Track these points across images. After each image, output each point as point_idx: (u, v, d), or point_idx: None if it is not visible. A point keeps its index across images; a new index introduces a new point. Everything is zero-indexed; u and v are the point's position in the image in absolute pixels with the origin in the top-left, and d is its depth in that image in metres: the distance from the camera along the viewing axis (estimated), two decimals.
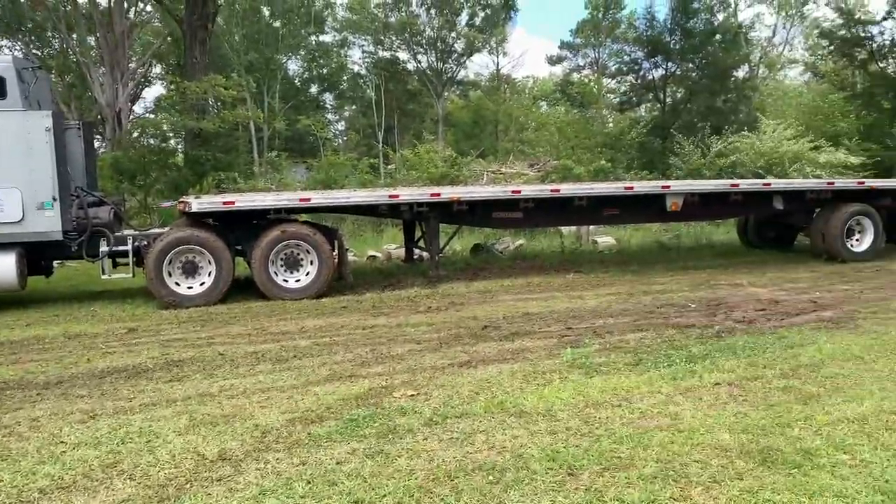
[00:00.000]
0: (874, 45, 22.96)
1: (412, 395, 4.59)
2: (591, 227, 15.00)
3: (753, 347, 5.57)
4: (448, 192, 10.07)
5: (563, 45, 40.29)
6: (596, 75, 35.64)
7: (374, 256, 13.11)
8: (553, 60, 41.56)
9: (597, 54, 38.54)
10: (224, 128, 20.42)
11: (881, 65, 23.06)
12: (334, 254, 9.23)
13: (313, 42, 39.19)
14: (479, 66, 54.38)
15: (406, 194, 9.82)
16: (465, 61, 41.67)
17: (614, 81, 31.56)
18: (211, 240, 8.59)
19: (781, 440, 3.58)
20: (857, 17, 23.45)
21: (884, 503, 2.91)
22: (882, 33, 22.95)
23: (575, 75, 37.70)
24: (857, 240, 11.38)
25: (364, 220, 16.13)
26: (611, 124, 23.28)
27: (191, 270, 8.60)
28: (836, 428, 3.72)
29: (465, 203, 9.94)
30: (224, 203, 8.80)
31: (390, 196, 9.65)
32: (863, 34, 23.00)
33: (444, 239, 11.12)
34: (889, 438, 3.56)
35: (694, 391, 4.48)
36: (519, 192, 10.27)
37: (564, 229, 14.99)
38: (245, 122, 27.88)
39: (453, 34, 39.57)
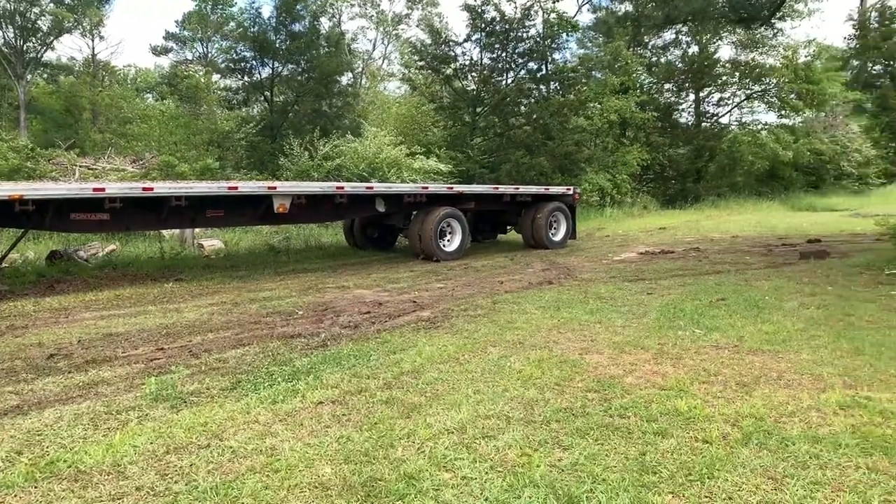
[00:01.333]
0: (457, 64, 25.93)
1: None
2: (197, 229, 13.91)
3: (358, 356, 5.33)
4: (7, 190, 8.13)
5: (170, 36, 37.78)
6: (205, 70, 34.08)
7: None
8: (158, 51, 38.69)
9: (206, 49, 36.95)
10: None
11: (463, 82, 26.13)
12: None
13: None
14: (71, 49, 48.16)
15: None
16: (52, 42, 36.33)
17: (224, 78, 30.45)
18: None
19: (385, 465, 3.27)
20: (444, 37, 26.20)
21: None
22: (464, 53, 26.07)
23: (182, 69, 35.50)
24: (448, 240, 12.34)
25: None
26: (224, 122, 22.20)
27: None
28: (437, 442, 3.54)
29: (32, 202, 8.16)
30: None
31: None
32: (449, 53, 25.81)
33: (6, 245, 9.08)
34: (486, 447, 3.48)
35: (295, 415, 4.00)
36: (103, 189, 8.77)
37: (166, 232, 13.60)
38: None
39: (36, 10, 34.11)
